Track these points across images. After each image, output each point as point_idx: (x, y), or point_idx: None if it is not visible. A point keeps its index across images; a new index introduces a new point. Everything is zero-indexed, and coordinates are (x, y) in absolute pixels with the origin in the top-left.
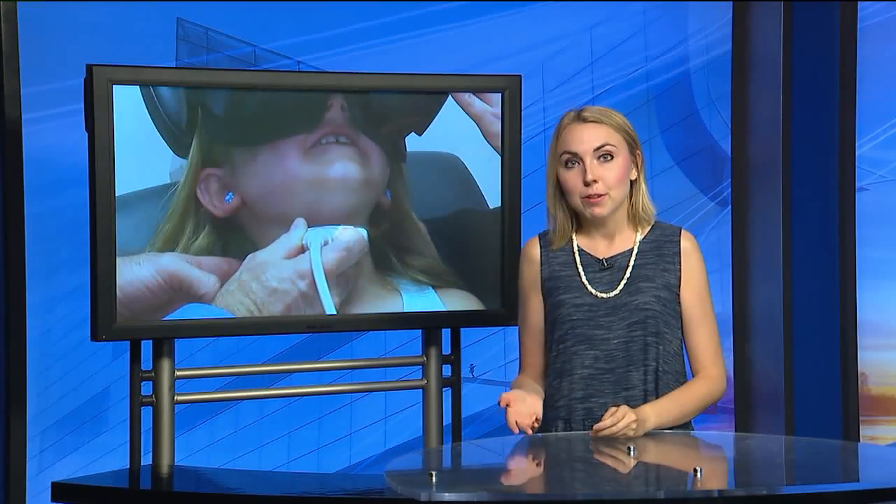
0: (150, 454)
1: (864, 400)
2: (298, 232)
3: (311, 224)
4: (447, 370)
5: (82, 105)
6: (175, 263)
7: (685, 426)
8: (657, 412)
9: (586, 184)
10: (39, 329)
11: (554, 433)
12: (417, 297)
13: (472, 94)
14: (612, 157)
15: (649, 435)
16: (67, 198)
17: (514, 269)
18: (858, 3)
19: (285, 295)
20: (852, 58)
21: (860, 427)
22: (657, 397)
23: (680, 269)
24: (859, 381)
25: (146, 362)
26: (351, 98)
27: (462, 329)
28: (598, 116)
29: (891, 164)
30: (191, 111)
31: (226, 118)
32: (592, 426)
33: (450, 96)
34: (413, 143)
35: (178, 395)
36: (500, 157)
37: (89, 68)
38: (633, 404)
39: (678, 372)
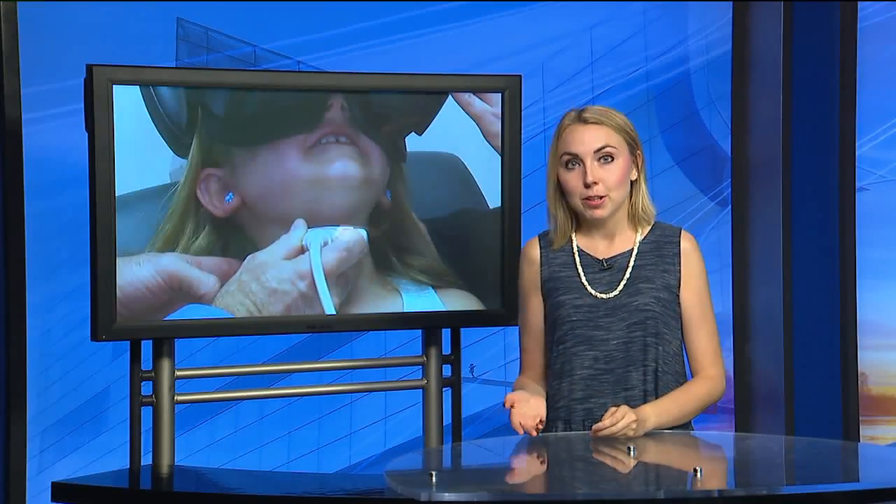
0: (150, 454)
1: (864, 400)
2: (298, 233)
3: (311, 224)
4: (447, 370)
5: (82, 105)
6: (175, 263)
7: (685, 426)
8: (657, 412)
9: (587, 185)
10: (39, 329)
11: (554, 433)
12: (417, 298)
13: (472, 94)
14: (613, 159)
15: (649, 435)
16: (67, 198)
17: (514, 269)
18: (858, 3)
19: (285, 296)
20: (852, 58)
21: (860, 427)
22: (657, 398)
23: (680, 269)
24: (859, 381)
25: (146, 362)
26: (351, 98)
27: (462, 329)
28: (599, 117)
29: (891, 164)
30: (191, 111)
31: (226, 118)
32: (592, 427)
33: (450, 96)
34: (413, 143)
35: (178, 395)
36: (500, 157)
37: (89, 68)
38: (633, 405)
39: (678, 372)
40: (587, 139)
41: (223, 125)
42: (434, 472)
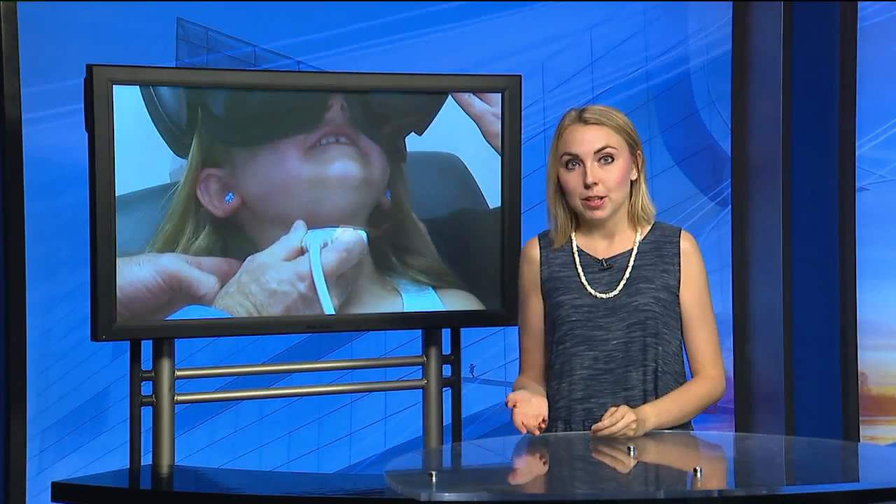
0: (150, 454)
1: (864, 400)
2: (298, 234)
3: (311, 224)
4: (447, 370)
5: (82, 105)
6: (175, 264)
7: (685, 426)
8: (657, 412)
9: (586, 186)
10: (39, 329)
11: (554, 433)
12: (417, 298)
13: (471, 94)
14: (613, 160)
15: (649, 435)
16: (67, 198)
17: (514, 269)
18: (858, 3)
19: (285, 297)
20: (852, 58)
21: (860, 427)
22: (657, 398)
23: (679, 269)
24: (859, 381)
25: (146, 362)
26: (351, 98)
27: (462, 329)
28: (600, 118)
29: (891, 164)
30: (191, 111)
31: (226, 118)
32: (592, 427)
33: (450, 96)
34: (413, 142)
35: (178, 395)
36: (500, 157)
37: (89, 68)
38: (633, 405)
39: (677, 372)
40: (587, 139)
41: (223, 125)
42: (434, 472)
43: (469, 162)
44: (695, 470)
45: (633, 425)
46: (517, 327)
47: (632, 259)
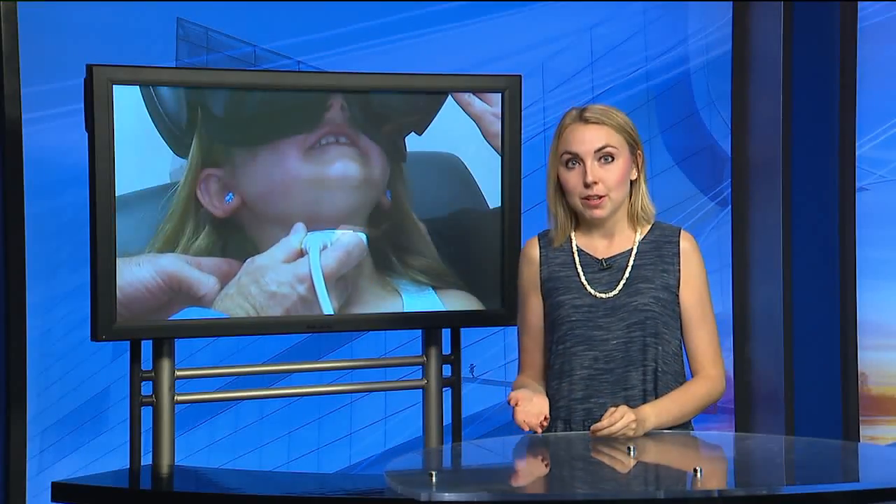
0: (150, 454)
1: (864, 400)
2: (298, 236)
3: (311, 224)
4: (447, 370)
5: (82, 105)
6: (174, 264)
7: (685, 426)
8: (657, 412)
9: (586, 185)
10: (39, 329)
11: (554, 433)
12: (417, 298)
13: (471, 94)
14: (613, 159)
15: (649, 435)
16: (67, 198)
17: (514, 269)
18: (858, 3)
19: (284, 299)
20: (852, 58)
21: (860, 427)
22: (656, 398)
23: (679, 269)
24: (859, 381)
25: (146, 362)
26: (351, 98)
27: (462, 329)
28: (600, 117)
29: (891, 164)
30: (191, 111)
31: (226, 118)
32: (591, 427)
33: (450, 96)
34: (413, 142)
35: (178, 395)
36: (500, 157)
37: (89, 68)
38: (633, 405)
39: (677, 372)
40: (588, 139)
41: (223, 125)
42: (434, 472)
43: (469, 162)
44: (695, 470)
45: (633, 425)
46: (517, 327)
47: (631, 259)
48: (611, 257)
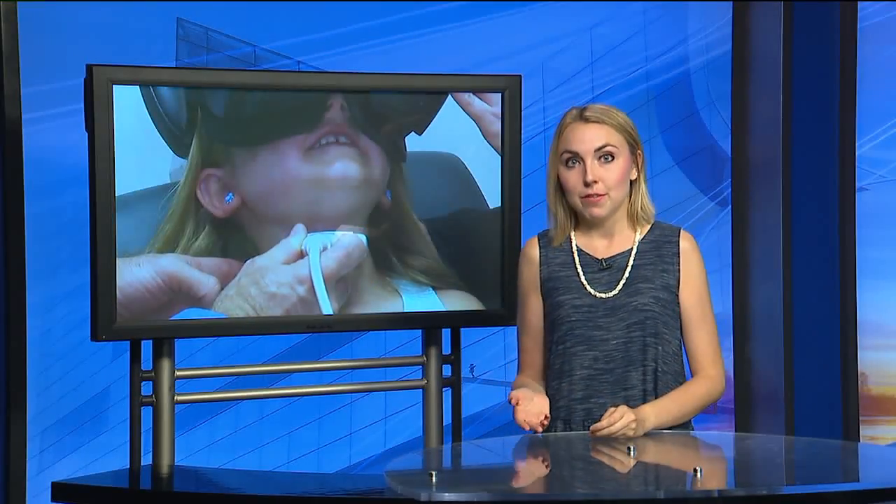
0: (150, 454)
1: (864, 400)
2: (298, 237)
3: (311, 224)
4: (447, 370)
5: (82, 105)
6: (174, 265)
7: (685, 426)
8: (656, 412)
9: (586, 184)
10: (39, 329)
11: (553, 433)
12: (417, 298)
13: (471, 94)
14: (613, 158)
15: (649, 435)
16: (67, 198)
17: (514, 269)
18: (858, 3)
19: (284, 300)
20: (852, 58)
21: (860, 427)
22: (656, 398)
23: (679, 269)
24: (859, 381)
25: (146, 362)
26: (351, 98)
27: (462, 329)
28: (600, 116)
29: (891, 164)
30: (191, 111)
31: (226, 118)
32: (590, 427)
33: (450, 96)
34: (413, 142)
35: (178, 395)
36: (500, 157)
37: (89, 68)
38: (633, 405)
39: (677, 372)
40: (588, 138)
41: (223, 125)
42: (434, 472)
43: (469, 162)
44: (695, 470)
45: (633, 425)
46: (516, 327)
47: (631, 259)
48: (611, 257)
